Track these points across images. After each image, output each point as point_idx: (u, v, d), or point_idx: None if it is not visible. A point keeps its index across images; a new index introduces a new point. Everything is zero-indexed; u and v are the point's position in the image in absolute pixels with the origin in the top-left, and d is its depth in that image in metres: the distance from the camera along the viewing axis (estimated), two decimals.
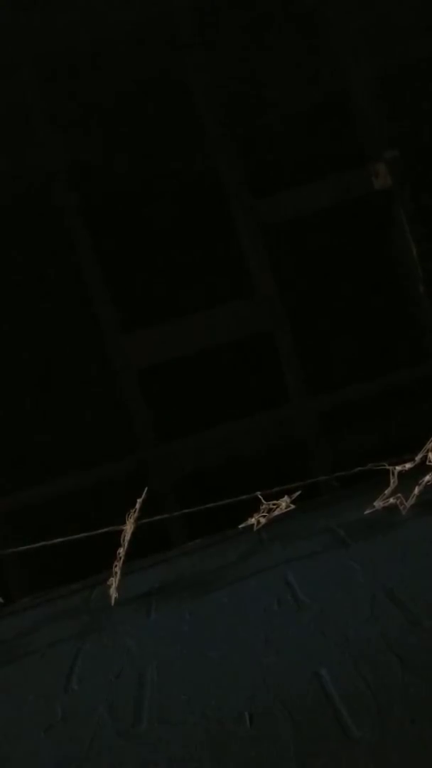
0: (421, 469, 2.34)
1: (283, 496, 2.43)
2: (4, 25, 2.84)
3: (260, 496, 2.43)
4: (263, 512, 2.45)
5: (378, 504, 2.40)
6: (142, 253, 3.09)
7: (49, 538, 2.36)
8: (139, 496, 2.30)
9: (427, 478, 2.33)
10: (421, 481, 2.33)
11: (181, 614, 2.03)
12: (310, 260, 3.15)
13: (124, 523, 2.30)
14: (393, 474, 2.37)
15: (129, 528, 2.30)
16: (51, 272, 3.05)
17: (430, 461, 2.33)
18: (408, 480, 2.36)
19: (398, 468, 2.37)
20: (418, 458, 2.34)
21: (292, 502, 2.43)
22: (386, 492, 2.38)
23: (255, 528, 2.48)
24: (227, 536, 2.62)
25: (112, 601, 2.27)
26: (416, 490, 2.33)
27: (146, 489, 2.31)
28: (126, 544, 2.30)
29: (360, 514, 2.43)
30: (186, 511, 2.57)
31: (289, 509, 2.43)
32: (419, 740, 1.17)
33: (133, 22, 2.92)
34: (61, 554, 2.52)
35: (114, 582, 2.29)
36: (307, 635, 1.67)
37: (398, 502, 2.35)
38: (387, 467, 2.39)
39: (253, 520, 2.47)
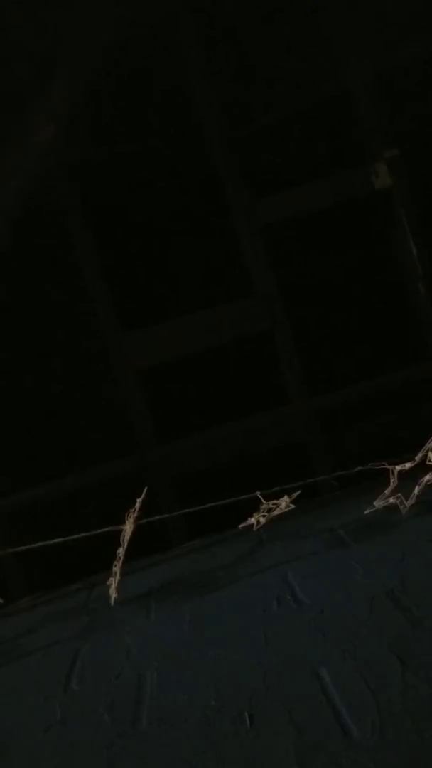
0: (421, 468, 2.34)
1: (283, 496, 2.43)
2: (5, 24, 2.84)
3: (260, 496, 2.43)
4: (263, 512, 2.45)
5: (378, 504, 2.40)
6: (141, 253, 3.09)
7: (49, 538, 2.36)
8: (139, 496, 2.29)
9: (427, 477, 2.33)
10: (421, 480, 2.33)
11: (181, 614, 2.03)
12: (310, 260, 3.15)
13: (123, 523, 2.30)
14: (393, 474, 2.37)
15: (129, 528, 2.29)
16: (51, 272, 3.05)
17: (430, 461, 2.33)
18: (408, 480, 2.36)
19: (398, 468, 2.37)
20: (418, 458, 2.34)
21: (292, 502, 2.43)
22: (386, 492, 2.38)
23: (255, 528, 2.48)
24: (227, 536, 2.62)
25: (112, 601, 2.27)
26: (416, 490, 2.33)
27: (146, 489, 2.31)
28: (126, 544, 2.30)
29: (360, 514, 2.43)
30: (186, 511, 2.57)
31: (288, 509, 2.43)
32: (419, 740, 1.17)
33: (133, 22, 2.92)
34: (61, 554, 2.52)
35: (114, 582, 2.28)
36: (307, 635, 1.67)
37: (398, 501, 2.35)
38: (387, 467, 2.39)
39: (253, 520, 2.47)
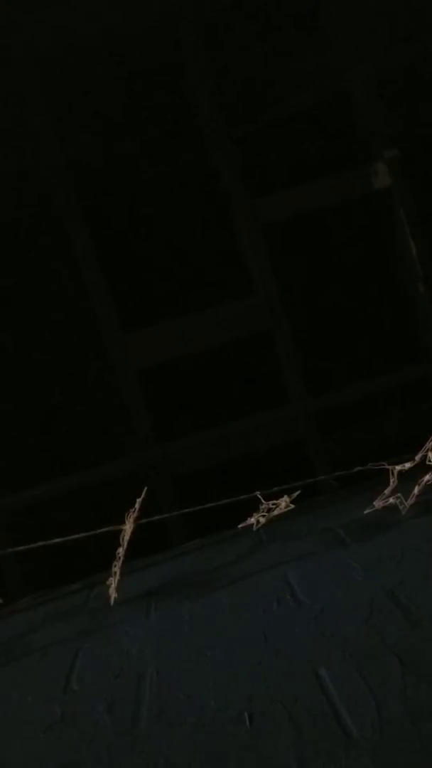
0: (421, 468, 2.34)
1: (282, 496, 2.43)
2: (5, 24, 2.84)
3: (260, 496, 2.43)
4: (263, 512, 2.45)
5: (378, 504, 2.40)
6: (141, 253, 3.09)
7: (49, 538, 2.36)
8: (139, 496, 2.29)
9: (427, 477, 2.33)
10: (420, 480, 2.33)
11: (180, 614, 2.03)
12: (310, 260, 3.15)
13: (123, 523, 2.30)
14: (393, 474, 2.37)
15: (128, 528, 2.29)
16: (51, 272, 3.05)
17: (429, 461, 2.33)
18: (407, 480, 2.36)
19: (398, 468, 2.37)
20: (417, 458, 2.34)
21: (292, 501, 2.43)
22: (386, 492, 2.38)
23: (254, 528, 2.48)
24: (227, 536, 2.61)
25: (112, 601, 2.27)
26: (416, 490, 2.33)
27: (146, 489, 2.31)
28: (125, 544, 2.30)
29: (360, 514, 2.43)
30: (186, 511, 2.57)
31: (288, 509, 2.43)
32: (419, 740, 1.17)
33: (134, 22, 2.92)
34: (60, 554, 2.52)
35: (113, 582, 2.28)
36: (307, 635, 1.67)
37: (398, 501, 2.35)
38: (387, 467, 2.39)
39: (252, 520, 2.47)
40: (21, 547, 2.43)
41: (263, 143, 3.08)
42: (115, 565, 2.30)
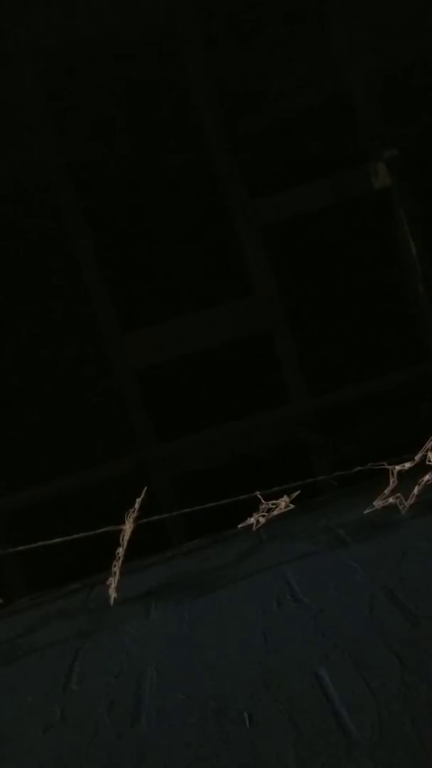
0: (421, 468, 2.34)
1: (282, 496, 2.43)
2: (4, 24, 2.83)
3: (260, 496, 2.43)
4: (263, 512, 2.45)
5: (377, 504, 2.40)
6: (141, 253, 3.09)
7: (49, 538, 2.36)
8: (139, 496, 2.29)
9: (427, 477, 2.33)
10: (420, 480, 2.33)
11: (180, 614, 2.03)
12: (309, 260, 3.15)
13: (123, 523, 2.30)
14: (392, 474, 2.37)
15: (128, 528, 2.29)
16: (51, 272, 3.05)
17: (429, 461, 2.33)
18: (407, 480, 2.36)
19: (398, 468, 2.37)
20: (417, 458, 2.34)
21: (292, 501, 2.42)
22: (386, 492, 2.38)
23: (254, 528, 2.48)
24: (226, 536, 2.61)
25: (112, 601, 2.27)
26: (416, 490, 2.33)
27: (145, 489, 2.31)
28: (125, 544, 2.30)
29: (360, 514, 2.43)
30: (186, 510, 2.57)
31: (288, 509, 2.43)
32: (419, 740, 1.17)
33: (134, 21, 2.92)
34: (60, 554, 2.52)
35: (113, 582, 2.28)
36: (307, 635, 1.67)
37: (398, 501, 2.35)
38: (387, 467, 2.39)
39: (252, 520, 2.47)
40: (21, 547, 2.43)
41: (263, 143, 3.08)
42: (115, 565, 2.30)
